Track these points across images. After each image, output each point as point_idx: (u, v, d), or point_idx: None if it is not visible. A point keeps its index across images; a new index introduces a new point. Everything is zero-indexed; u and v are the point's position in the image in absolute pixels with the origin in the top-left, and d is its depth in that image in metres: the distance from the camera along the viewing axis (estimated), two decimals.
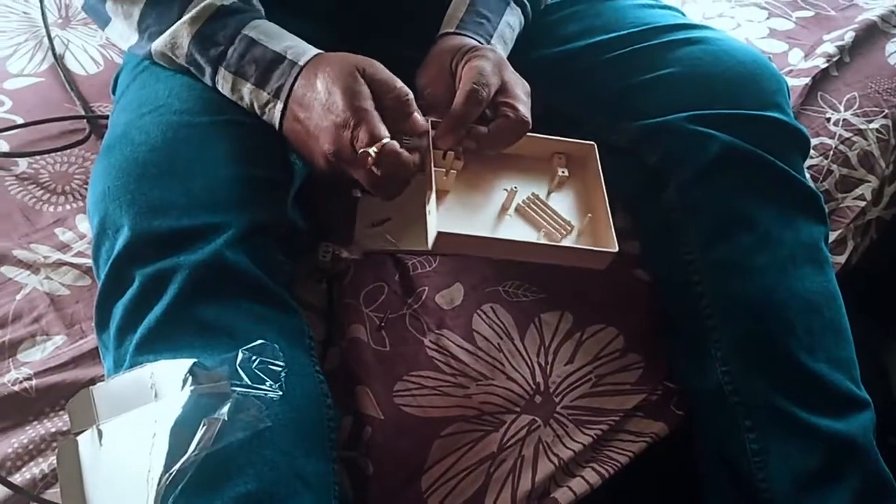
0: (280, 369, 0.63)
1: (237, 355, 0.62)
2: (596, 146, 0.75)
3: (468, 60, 0.73)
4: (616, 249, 0.69)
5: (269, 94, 0.72)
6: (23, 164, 0.94)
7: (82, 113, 1.00)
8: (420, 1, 0.83)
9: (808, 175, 0.90)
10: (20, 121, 0.99)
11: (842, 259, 0.95)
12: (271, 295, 0.71)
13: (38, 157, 0.95)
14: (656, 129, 0.81)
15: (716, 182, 0.78)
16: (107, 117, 0.96)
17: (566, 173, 0.75)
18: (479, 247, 0.70)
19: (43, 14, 1.12)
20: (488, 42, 0.80)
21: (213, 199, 0.69)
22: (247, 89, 0.73)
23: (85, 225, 0.88)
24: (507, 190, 0.73)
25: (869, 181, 0.98)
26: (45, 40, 1.09)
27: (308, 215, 0.81)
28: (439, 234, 0.68)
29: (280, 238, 0.74)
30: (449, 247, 0.70)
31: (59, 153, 0.95)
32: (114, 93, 0.87)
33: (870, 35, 1.10)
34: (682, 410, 0.85)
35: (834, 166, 0.98)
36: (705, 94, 0.81)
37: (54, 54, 1.07)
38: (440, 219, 0.70)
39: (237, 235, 0.69)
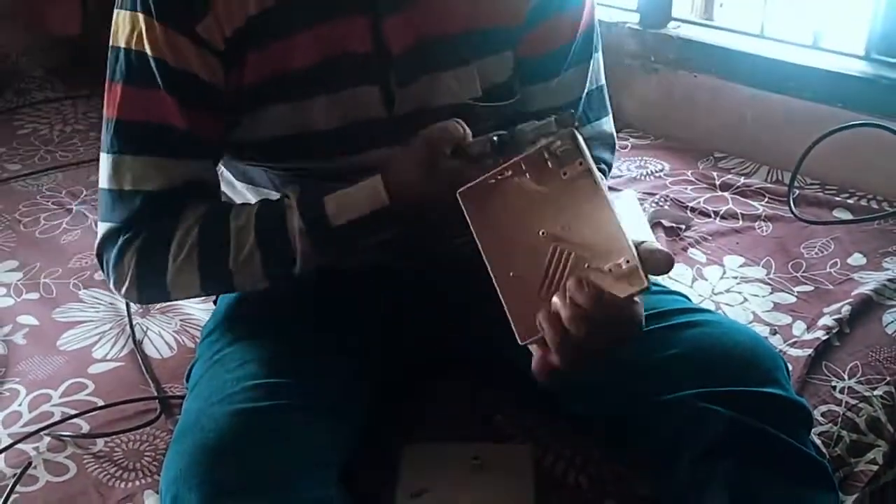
0: None
1: None
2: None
3: None
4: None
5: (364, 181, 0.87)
6: (100, 444, 1.05)
7: (155, 394, 1.12)
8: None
9: (817, 443, 0.97)
10: (101, 403, 1.11)
11: None
12: None
13: (113, 437, 1.06)
14: (666, 407, 0.89)
15: (724, 458, 0.84)
16: (177, 398, 1.09)
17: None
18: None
19: (128, 304, 1.28)
20: None
21: (272, 482, 0.79)
22: (351, 194, 0.87)
23: (151, 500, 0.97)
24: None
25: (879, 445, 1.04)
26: (128, 328, 1.24)
27: (351, 488, 0.90)
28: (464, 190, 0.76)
29: None
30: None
31: (132, 432, 1.07)
32: (187, 381, 1.00)
33: (866, 308, 1.20)
34: None
35: (844, 432, 1.04)
36: (709, 373, 0.89)
37: (134, 341, 1.22)
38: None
39: None
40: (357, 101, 0.92)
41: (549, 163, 0.75)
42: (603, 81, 1.06)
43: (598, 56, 1.05)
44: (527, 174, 0.76)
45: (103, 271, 0.96)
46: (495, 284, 0.76)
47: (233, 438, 0.82)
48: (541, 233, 0.75)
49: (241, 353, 0.94)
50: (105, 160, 0.93)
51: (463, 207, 0.77)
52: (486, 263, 0.77)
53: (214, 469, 0.80)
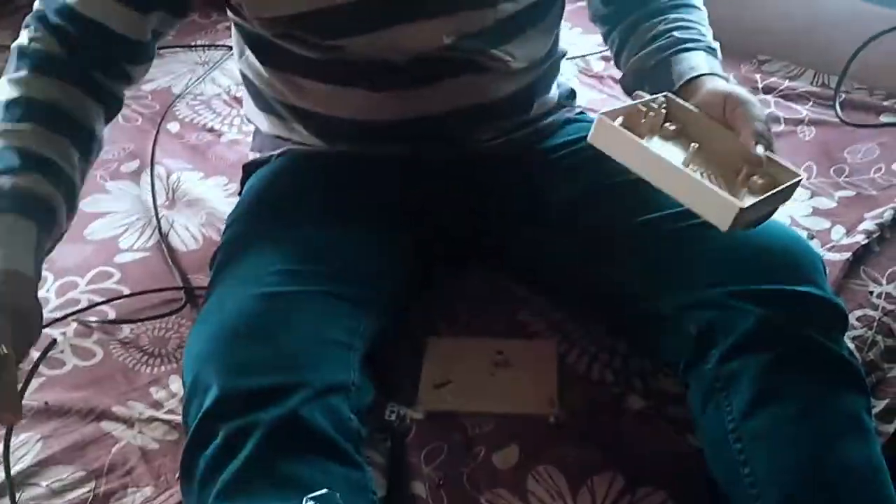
0: None
1: (304, 502, 0.69)
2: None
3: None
4: (742, 205, 0.75)
5: None
6: (126, 330, 1.06)
7: (181, 285, 1.12)
8: None
9: (851, 346, 0.94)
10: (127, 291, 1.11)
11: (891, 428, 0.97)
12: (341, 452, 0.78)
13: (139, 324, 1.07)
14: (696, 303, 0.87)
15: (754, 355, 0.83)
16: (202, 288, 1.09)
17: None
18: (630, 154, 0.80)
19: (154, 197, 1.28)
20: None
21: (292, 361, 0.78)
22: None
23: (177, 385, 0.98)
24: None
25: None
26: (154, 220, 1.24)
27: (375, 376, 0.90)
28: (600, 121, 0.79)
29: (350, 398, 0.82)
30: (603, 139, 0.80)
31: (158, 320, 1.07)
32: (211, 267, 0.99)
33: None
34: None
35: (879, 337, 1.01)
36: (743, 270, 0.87)
37: (160, 232, 1.21)
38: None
39: (312, 395, 0.78)
40: None
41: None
42: None
43: None
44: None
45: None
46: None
47: (254, 319, 0.82)
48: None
49: (265, 239, 0.93)
50: None
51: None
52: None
53: (234, 348, 0.79)
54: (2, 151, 0.85)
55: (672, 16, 0.99)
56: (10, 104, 0.87)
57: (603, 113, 0.82)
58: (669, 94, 0.89)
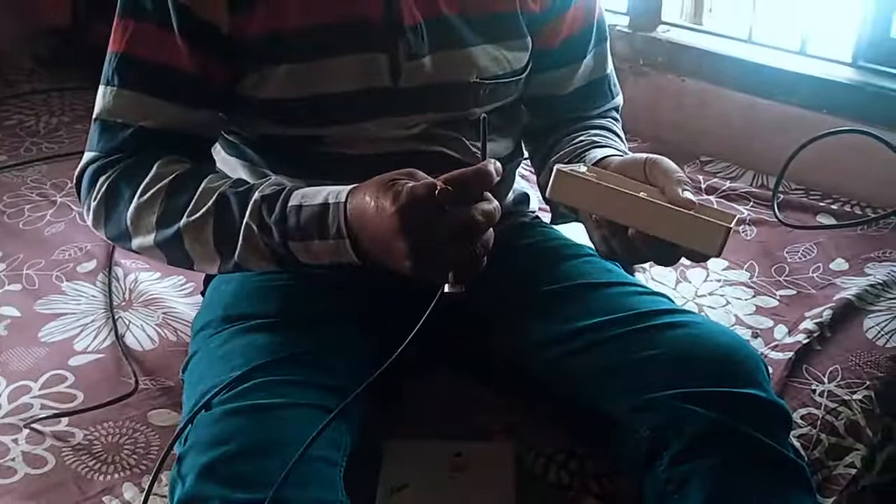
0: None
1: None
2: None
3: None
4: (730, 225, 0.74)
5: (333, 238, 0.82)
6: (79, 436, 1.05)
7: (135, 384, 1.11)
8: None
9: (796, 446, 0.97)
10: (80, 395, 1.10)
11: None
12: None
13: (92, 429, 1.05)
14: (646, 405, 0.89)
15: (703, 458, 0.85)
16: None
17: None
18: (595, 199, 0.78)
19: (110, 297, 1.28)
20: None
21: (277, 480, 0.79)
22: (317, 245, 0.83)
23: (131, 493, 0.97)
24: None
25: (858, 449, 1.05)
26: (110, 321, 1.23)
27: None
28: (558, 172, 0.76)
29: None
30: (564, 191, 0.78)
31: (114, 424, 1.06)
32: (183, 372, 1.00)
33: (848, 312, 1.21)
34: None
35: (823, 435, 1.05)
36: (689, 374, 0.90)
37: (116, 333, 1.21)
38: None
39: None
40: (364, 67, 0.94)
41: None
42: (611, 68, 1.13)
43: (607, 45, 1.11)
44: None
45: (79, 200, 0.96)
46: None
47: (244, 435, 0.82)
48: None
49: (240, 348, 0.94)
50: (103, 92, 0.94)
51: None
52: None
53: (229, 465, 0.80)
54: (221, 210, 0.86)
55: (594, 130, 1.06)
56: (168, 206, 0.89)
57: (557, 167, 0.81)
58: (591, 165, 0.91)
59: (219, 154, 1.07)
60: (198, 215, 0.87)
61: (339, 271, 0.86)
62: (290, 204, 0.84)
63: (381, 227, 0.77)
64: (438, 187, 0.74)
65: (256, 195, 0.86)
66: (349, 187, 0.83)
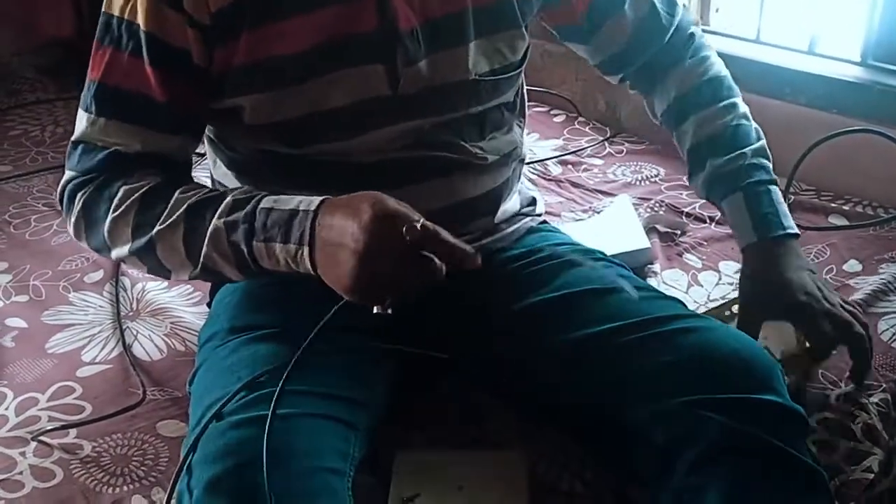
0: None
1: None
2: None
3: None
4: None
5: (294, 244, 0.82)
6: (87, 448, 1.04)
7: (144, 395, 1.10)
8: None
9: (813, 451, 0.96)
10: (88, 407, 1.09)
11: None
12: None
13: (101, 441, 1.05)
14: (661, 413, 0.88)
15: (720, 466, 0.84)
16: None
17: None
18: None
19: (118, 307, 1.27)
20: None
21: (288, 491, 0.78)
22: (278, 248, 0.83)
23: None
24: None
25: (875, 453, 1.03)
26: (118, 331, 1.23)
27: None
28: None
29: None
30: None
31: (122, 436, 1.05)
32: (190, 385, 0.99)
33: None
34: None
35: (840, 440, 1.03)
36: (704, 380, 0.89)
37: (124, 344, 1.20)
38: None
39: None
40: (361, 81, 0.93)
41: None
42: None
43: None
44: None
45: (63, 215, 0.99)
46: None
47: (245, 451, 0.81)
48: None
49: (246, 358, 0.93)
50: (82, 117, 0.96)
51: None
52: None
53: (225, 483, 0.80)
54: (192, 216, 0.88)
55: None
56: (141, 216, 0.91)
57: None
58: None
59: (218, 168, 1.07)
60: (169, 222, 0.89)
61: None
62: (261, 206, 0.86)
63: (339, 236, 0.79)
64: (419, 224, 0.77)
65: (229, 198, 0.88)
66: (322, 198, 0.84)
